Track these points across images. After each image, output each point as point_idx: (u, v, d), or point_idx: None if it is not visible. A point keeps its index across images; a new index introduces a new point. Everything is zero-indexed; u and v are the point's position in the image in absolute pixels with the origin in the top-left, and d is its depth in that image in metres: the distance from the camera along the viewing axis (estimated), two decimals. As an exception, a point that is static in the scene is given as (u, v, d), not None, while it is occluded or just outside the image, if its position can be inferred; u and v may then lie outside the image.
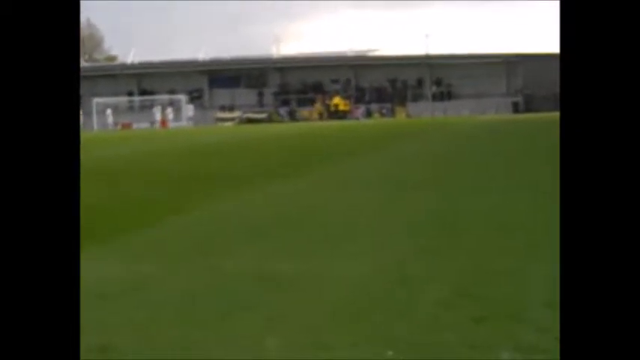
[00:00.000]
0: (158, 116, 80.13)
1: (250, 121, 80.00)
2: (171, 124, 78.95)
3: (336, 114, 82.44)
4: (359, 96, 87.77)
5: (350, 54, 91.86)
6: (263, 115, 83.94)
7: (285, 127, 57.02)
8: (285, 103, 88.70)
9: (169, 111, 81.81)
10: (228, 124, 79.62)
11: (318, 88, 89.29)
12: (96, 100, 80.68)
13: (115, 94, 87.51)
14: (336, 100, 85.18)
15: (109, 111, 79.49)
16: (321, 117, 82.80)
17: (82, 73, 62.95)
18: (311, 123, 71.68)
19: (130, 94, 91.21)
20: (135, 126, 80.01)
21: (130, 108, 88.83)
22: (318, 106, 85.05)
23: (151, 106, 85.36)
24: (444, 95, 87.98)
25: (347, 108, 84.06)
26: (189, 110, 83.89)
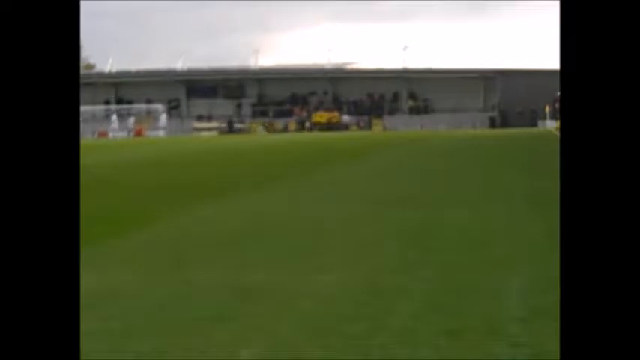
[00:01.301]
0: (116, 125, 78.91)
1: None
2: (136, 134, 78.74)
3: (320, 125, 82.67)
4: (336, 108, 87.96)
5: (328, 66, 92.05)
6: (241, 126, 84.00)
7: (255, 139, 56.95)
8: (263, 114, 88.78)
9: (131, 121, 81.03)
10: (205, 134, 79.52)
11: (296, 100, 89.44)
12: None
13: (93, 102, 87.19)
14: (321, 113, 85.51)
15: None
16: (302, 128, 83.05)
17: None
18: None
19: (108, 102, 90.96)
20: (111, 135, 79.77)
21: (107, 117, 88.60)
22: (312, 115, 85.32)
23: (128, 115, 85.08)
24: (421, 109, 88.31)
25: (336, 120, 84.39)
26: (162, 120, 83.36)
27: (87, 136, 74.61)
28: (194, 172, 21.66)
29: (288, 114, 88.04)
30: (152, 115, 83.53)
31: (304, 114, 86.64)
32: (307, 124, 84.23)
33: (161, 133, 79.01)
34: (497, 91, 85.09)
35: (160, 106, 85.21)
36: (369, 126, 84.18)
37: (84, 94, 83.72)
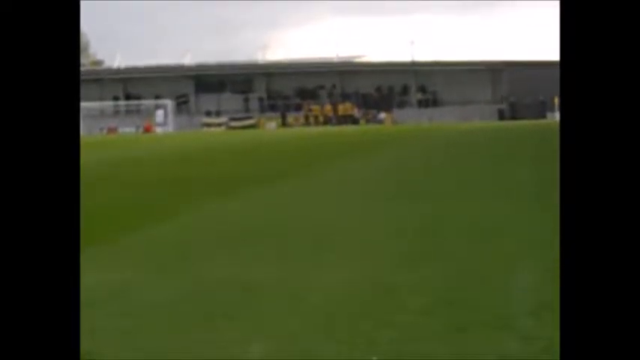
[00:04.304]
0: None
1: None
2: (157, 129, 78.81)
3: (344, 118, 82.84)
4: (345, 103, 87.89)
5: (336, 60, 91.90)
6: (252, 121, 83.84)
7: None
8: (272, 108, 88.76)
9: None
10: (214, 129, 79.46)
11: (304, 94, 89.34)
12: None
13: (101, 98, 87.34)
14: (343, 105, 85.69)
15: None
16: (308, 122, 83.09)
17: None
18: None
19: (116, 98, 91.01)
20: (120, 130, 79.88)
21: (116, 112, 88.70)
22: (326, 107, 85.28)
23: (138, 111, 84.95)
24: (430, 102, 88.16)
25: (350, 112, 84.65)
26: (159, 116, 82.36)
27: (95, 132, 74.68)
28: (204, 168, 21.67)
29: (296, 108, 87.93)
30: (151, 112, 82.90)
31: (311, 107, 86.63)
32: (312, 119, 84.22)
33: (159, 130, 78.52)
34: (506, 82, 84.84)
35: (169, 102, 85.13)
36: (377, 120, 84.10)
37: (92, 90, 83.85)
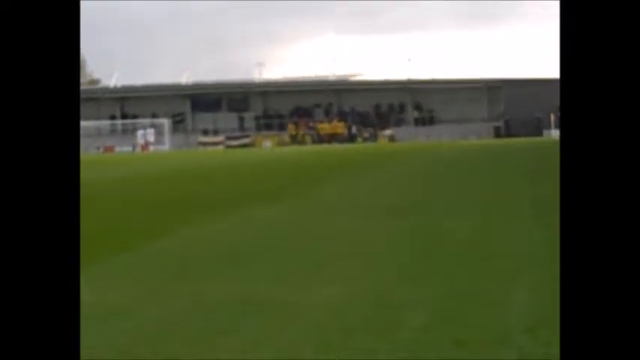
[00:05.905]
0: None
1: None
2: (151, 148, 78.95)
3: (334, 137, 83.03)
4: (341, 121, 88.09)
5: (332, 78, 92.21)
6: (248, 140, 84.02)
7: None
8: (268, 127, 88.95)
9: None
10: (211, 148, 79.53)
11: (301, 113, 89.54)
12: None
13: (98, 117, 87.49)
14: (330, 124, 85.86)
15: None
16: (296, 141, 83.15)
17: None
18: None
19: (113, 117, 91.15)
20: (117, 149, 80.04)
21: (113, 131, 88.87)
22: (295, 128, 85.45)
23: (134, 130, 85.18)
24: (426, 120, 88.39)
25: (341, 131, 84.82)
26: (148, 135, 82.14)
27: (92, 151, 74.81)
28: (202, 184, 21.68)
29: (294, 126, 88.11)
30: (157, 130, 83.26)
31: (310, 125, 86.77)
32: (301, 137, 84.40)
33: (151, 149, 78.63)
34: (502, 100, 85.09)
35: (165, 121, 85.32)
36: (374, 138, 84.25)
37: (89, 109, 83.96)
